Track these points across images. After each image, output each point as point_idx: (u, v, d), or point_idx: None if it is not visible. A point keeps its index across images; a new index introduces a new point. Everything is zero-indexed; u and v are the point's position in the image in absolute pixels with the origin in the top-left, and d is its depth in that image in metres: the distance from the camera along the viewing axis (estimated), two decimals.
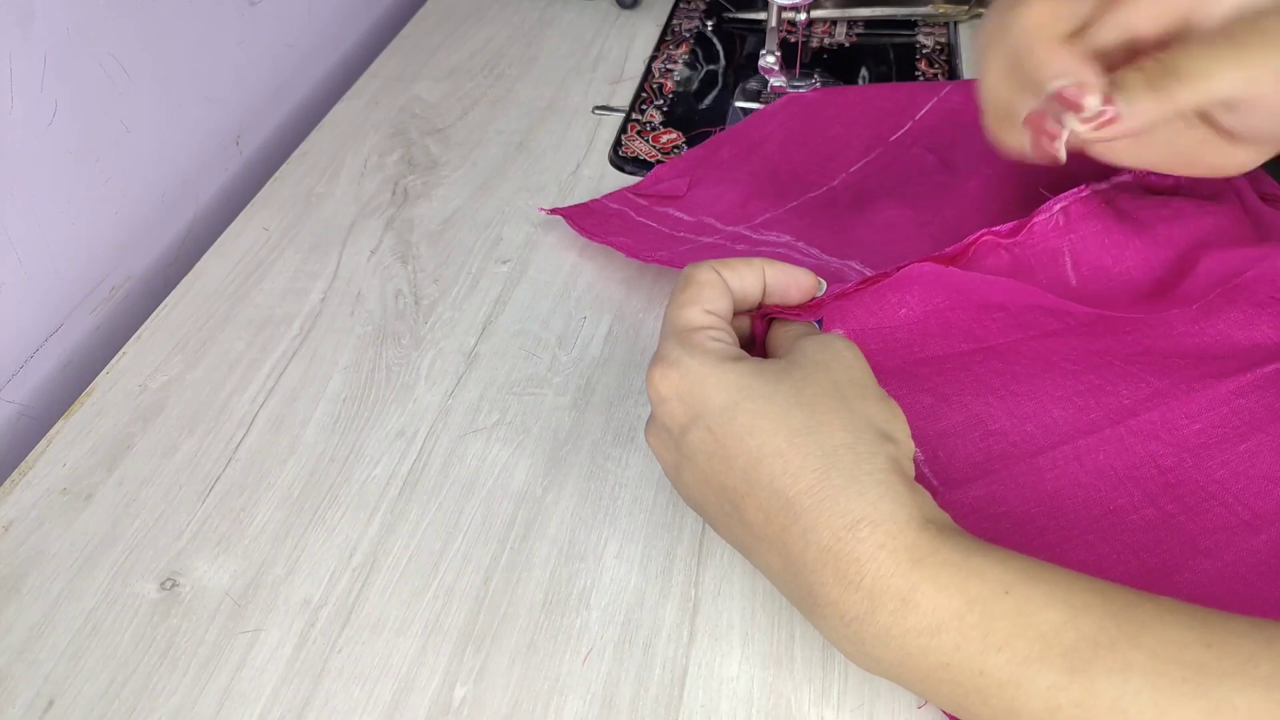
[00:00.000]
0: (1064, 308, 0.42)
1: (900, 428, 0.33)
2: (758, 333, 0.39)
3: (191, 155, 0.61)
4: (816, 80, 0.64)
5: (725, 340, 0.35)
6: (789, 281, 0.38)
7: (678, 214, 0.54)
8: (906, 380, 0.42)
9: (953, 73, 0.67)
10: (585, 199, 0.57)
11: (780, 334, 0.38)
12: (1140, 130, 0.36)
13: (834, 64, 0.69)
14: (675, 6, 0.76)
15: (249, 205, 0.59)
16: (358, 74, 0.70)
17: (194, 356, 0.49)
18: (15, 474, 0.44)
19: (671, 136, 0.62)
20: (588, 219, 0.53)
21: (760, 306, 0.38)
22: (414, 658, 0.36)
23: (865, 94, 0.59)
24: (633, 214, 0.54)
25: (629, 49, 0.72)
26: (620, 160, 0.60)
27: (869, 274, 0.41)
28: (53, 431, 0.45)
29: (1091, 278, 0.43)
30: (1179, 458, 0.39)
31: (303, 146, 0.63)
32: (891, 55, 0.70)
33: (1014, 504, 0.38)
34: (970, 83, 0.58)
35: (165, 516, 0.42)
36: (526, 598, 0.38)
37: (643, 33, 0.73)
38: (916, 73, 0.67)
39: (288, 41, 0.69)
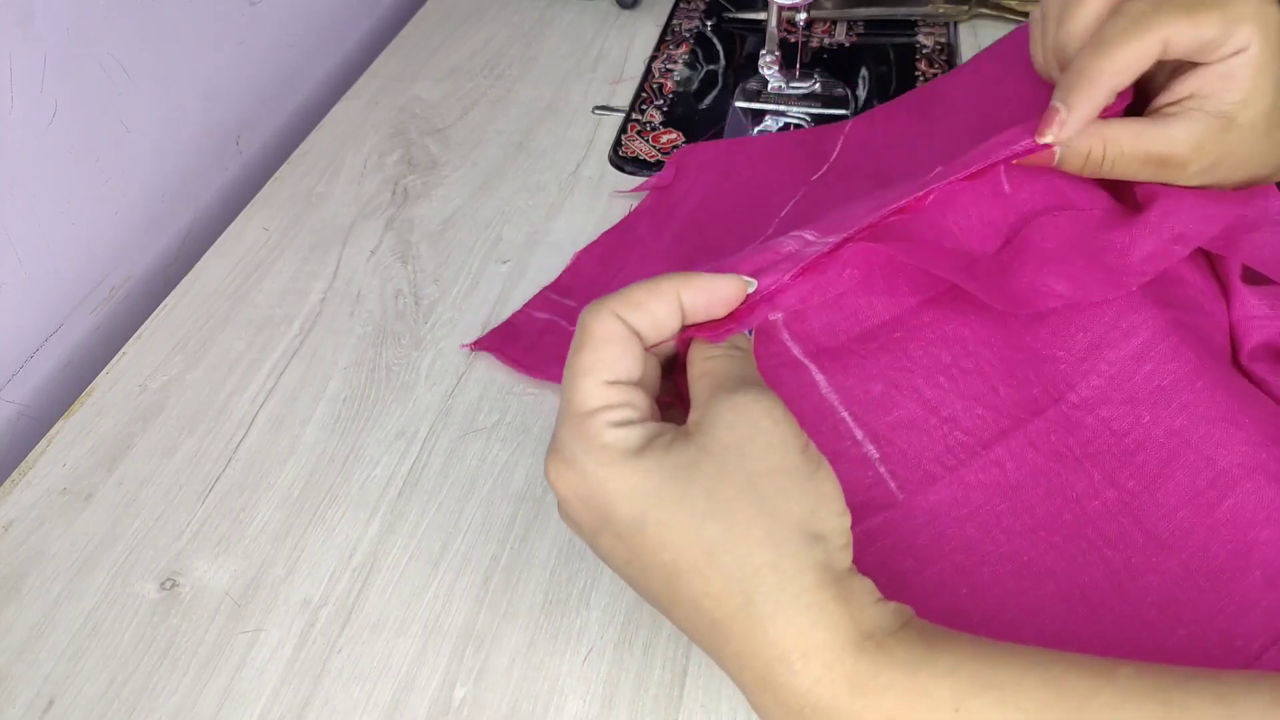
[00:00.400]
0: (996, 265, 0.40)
1: (830, 509, 0.29)
2: (682, 355, 0.34)
3: (191, 155, 0.61)
4: (816, 81, 0.64)
5: (630, 418, 0.30)
6: (710, 299, 0.32)
7: None
8: (854, 367, 0.39)
9: None
10: (585, 199, 0.57)
11: (696, 375, 0.32)
12: (1083, 124, 0.39)
13: (834, 64, 0.69)
14: (675, 6, 0.76)
15: (249, 205, 0.59)
16: (358, 74, 0.70)
17: (194, 356, 0.49)
18: (15, 474, 0.44)
19: (671, 136, 0.62)
20: (515, 344, 0.48)
21: (682, 329, 0.33)
22: (414, 658, 0.36)
23: (768, 143, 0.58)
24: (565, 324, 0.49)
25: (629, 49, 0.72)
26: (620, 160, 0.60)
27: (813, 242, 0.38)
28: (53, 431, 0.45)
29: (1024, 182, 0.42)
30: (1135, 414, 0.38)
31: (303, 146, 0.63)
32: (891, 55, 0.70)
33: (979, 501, 0.37)
34: (876, 110, 0.58)
35: (165, 516, 0.42)
36: (526, 598, 0.38)
37: (643, 33, 0.73)
38: (916, 73, 0.67)
39: (288, 41, 0.69)
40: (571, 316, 0.49)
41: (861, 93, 0.65)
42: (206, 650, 0.37)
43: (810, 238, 0.38)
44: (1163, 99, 0.40)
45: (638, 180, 0.58)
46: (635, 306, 0.31)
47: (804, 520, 0.29)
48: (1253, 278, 0.42)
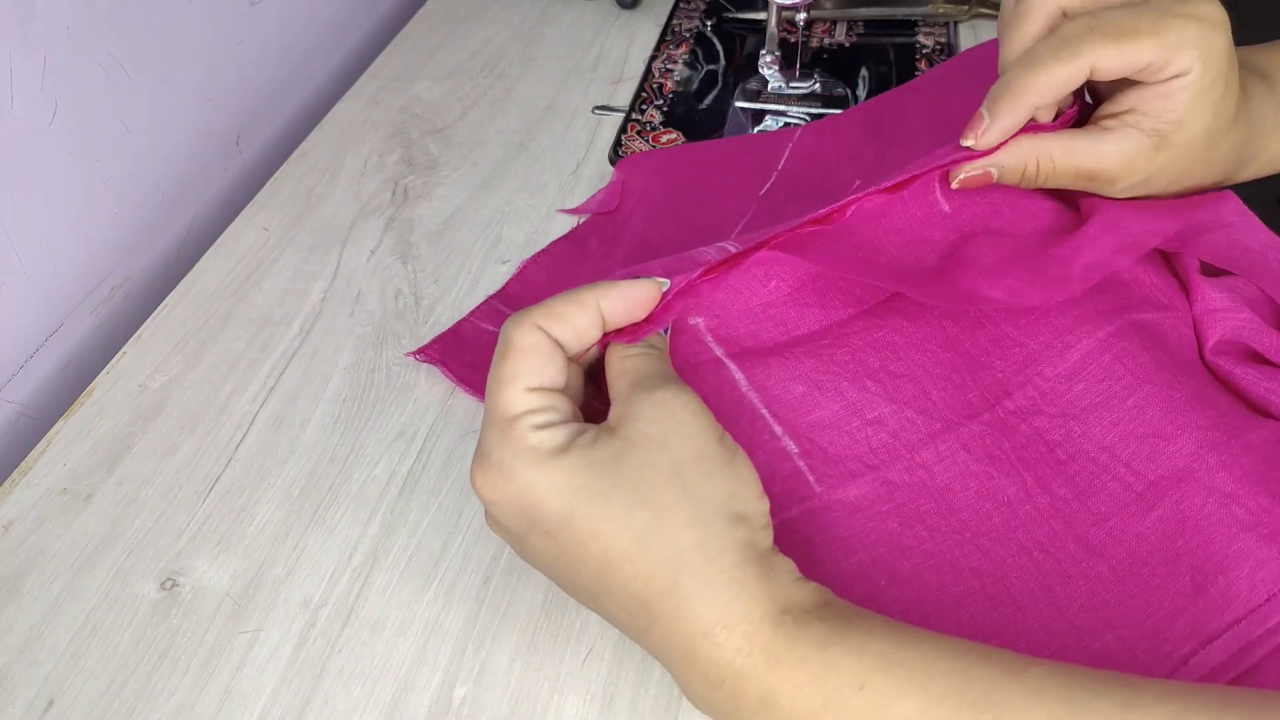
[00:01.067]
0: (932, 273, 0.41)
1: (748, 493, 0.31)
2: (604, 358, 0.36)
3: (191, 155, 0.61)
4: (816, 81, 0.64)
5: (553, 420, 0.31)
6: (629, 305, 0.34)
7: None
8: (776, 368, 0.40)
9: None
10: (585, 199, 0.57)
11: (615, 374, 0.34)
12: (1006, 137, 0.40)
13: (834, 64, 0.69)
14: (675, 6, 0.76)
15: (249, 205, 0.59)
16: (358, 74, 0.70)
17: (194, 356, 0.49)
18: (15, 474, 0.44)
19: (672, 136, 0.62)
20: (461, 358, 0.47)
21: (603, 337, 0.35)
22: (414, 658, 0.36)
23: (715, 150, 0.58)
24: None
25: (629, 49, 0.72)
26: (620, 160, 0.60)
27: (730, 251, 0.38)
28: (53, 431, 0.45)
29: (963, 205, 0.42)
30: (1066, 428, 0.38)
31: (303, 146, 0.63)
32: (891, 55, 0.70)
33: (902, 499, 0.37)
34: (825, 122, 0.58)
35: (165, 516, 0.42)
36: (526, 598, 0.38)
37: (643, 33, 0.73)
38: (916, 73, 0.67)
39: (288, 41, 0.69)
40: None
41: (861, 93, 0.65)
42: (206, 650, 0.37)
43: (731, 248, 0.39)
44: (1105, 109, 0.41)
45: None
46: (558, 318, 0.33)
47: (725, 502, 0.30)
48: (1211, 270, 0.42)
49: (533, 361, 0.32)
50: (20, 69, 0.48)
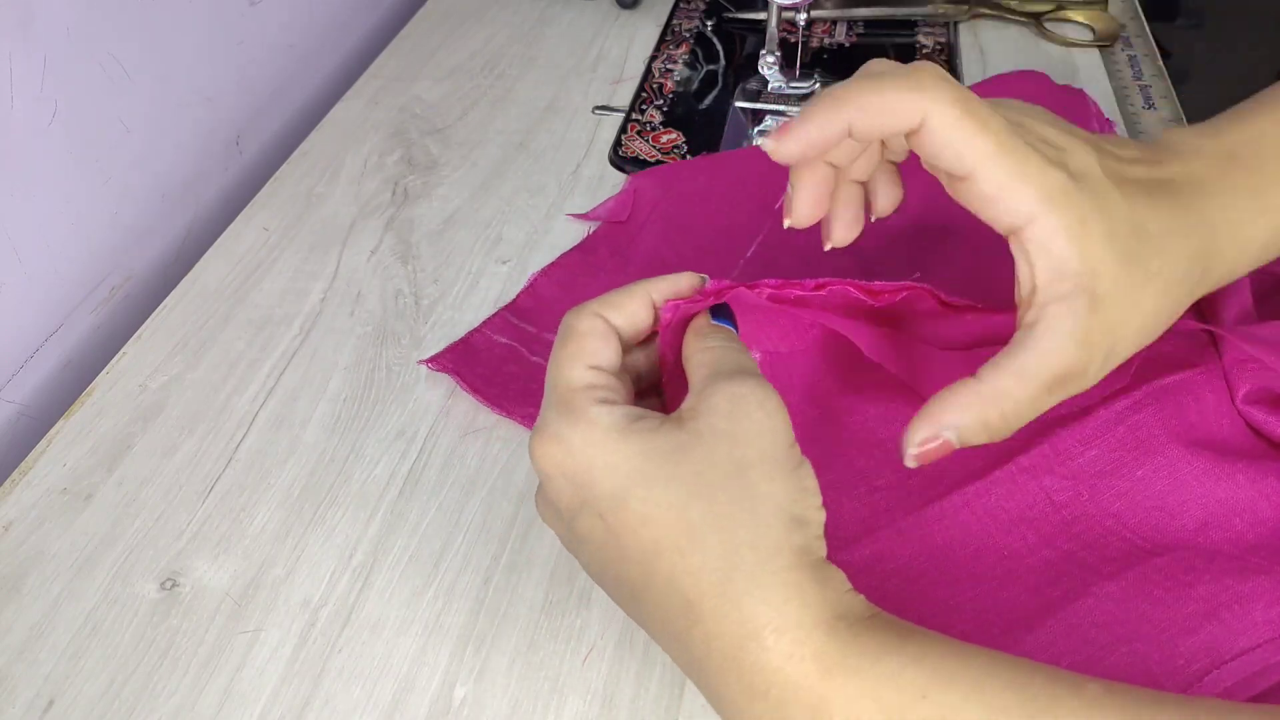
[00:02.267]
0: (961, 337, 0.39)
1: (810, 502, 0.30)
2: (664, 353, 0.35)
3: (191, 155, 0.61)
4: (816, 81, 0.64)
5: (614, 398, 0.31)
6: (676, 289, 0.34)
7: None
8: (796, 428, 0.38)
9: (953, 73, 0.67)
10: (585, 199, 0.57)
11: (693, 364, 0.33)
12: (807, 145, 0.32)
13: (834, 64, 0.69)
14: (675, 6, 0.76)
15: (249, 205, 0.59)
16: (358, 74, 0.70)
17: (194, 356, 0.49)
18: (15, 474, 0.44)
19: (671, 136, 0.62)
20: (475, 369, 0.46)
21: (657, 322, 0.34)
22: (414, 658, 0.36)
23: (727, 163, 0.57)
24: (526, 352, 0.48)
25: (629, 49, 0.72)
26: (620, 160, 0.60)
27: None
28: (53, 431, 0.45)
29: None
30: (1075, 490, 0.38)
31: (303, 146, 0.63)
32: (891, 55, 0.70)
33: (903, 560, 0.37)
34: None
35: (165, 516, 0.42)
36: (526, 598, 0.38)
37: (643, 33, 0.73)
38: None
39: (288, 42, 0.69)
40: (533, 344, 0.48)
41: None
42: (206, 650, 0.37)
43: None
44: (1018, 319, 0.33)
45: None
46: (614, 306, 0.33)
47: (787, 506, 0.29)
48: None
49: (592, 344, 0.32)
50: (20, 69, 0.48)
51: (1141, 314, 0.32)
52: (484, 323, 0.49)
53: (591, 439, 0.30)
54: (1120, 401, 0.39)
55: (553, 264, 0.52)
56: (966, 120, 0.30)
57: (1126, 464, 0.38)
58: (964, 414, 0.31)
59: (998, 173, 0.30)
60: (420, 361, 0.47)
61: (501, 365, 0.47)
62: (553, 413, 0.31)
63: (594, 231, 0.55)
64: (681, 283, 0.34)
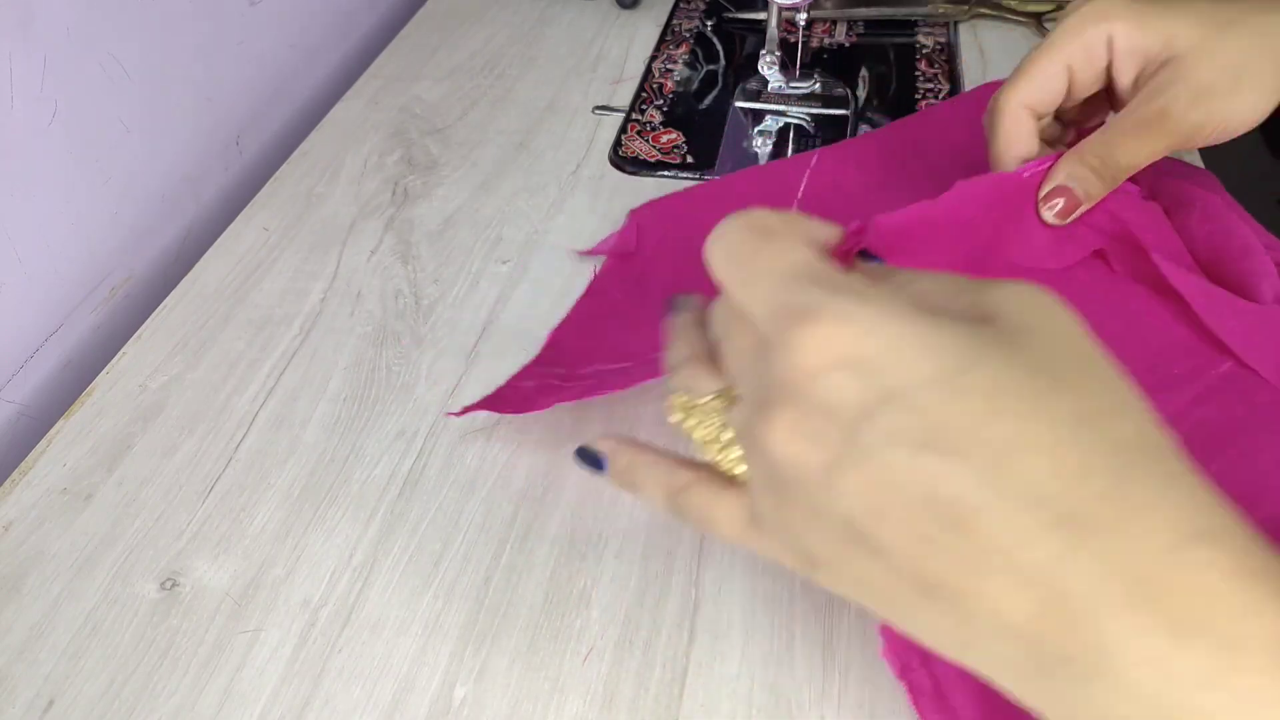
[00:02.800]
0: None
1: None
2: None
3: (191, 155, 0.61)
4: (816, 81, 0.64)
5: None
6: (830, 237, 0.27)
7: (607, 367, 0.46)
8: None
9: (953, 73, 0.67)
10: (585, 199, 0.57)
11: (920, 282, 0.25)
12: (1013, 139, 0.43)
13: (834, 64, 0.69)
14: (675, 6, 0.76)
15: (249, 205, 0.59)
16: (358, 74, 0.70)
17: (194, 356, 0.49)
18: (15, 474, 0.44)
19: (671, 136, 0.62)
20: (504, 406, 0.44)
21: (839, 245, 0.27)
22: (414, 658, 0.36)
23: (730, 186, 0.56)
24: (558, 383, 0.45)
25: (629, 49, 0.72)
26: (620, 160, 0.60)
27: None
28: (53, 431, 0.45)
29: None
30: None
31: (303, 146, 0.63)
32: (891, 55, 0.70)
33: None
34: (836, 146, 0.57)
35: (165, 516, 0.42)
36: (526, 598, 0.38)
37: (643, 33, 0.73)
38: (916, 73, 0.67)
39: (288, 41, 0.69)
40: (566, 379, 0.45)
41: (861, 93, 0.66)
42: (206, 650, 0.37)
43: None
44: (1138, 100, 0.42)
45: (636, 181, 0.58)
46: (800, 217, 0.27)
47: (1144, 402, 0.23)
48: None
49: (818, 230, 0.26)
50: (20, 69, 0.48)
51: (1220, 64, 0.40)
52: (512, 378, 0.46)
53: (888, 311, 0.22)
54: (1180, 395, 0.39)
55: (566, 317, 0.49)
56: None
57: (1199, 459, 0.38)
58: (1070, 165, 0.41)
59: None
60: (447, 414, 0.45)
61: (535, 395, 0.45)
62: (820, 292, 0.23)
63: (599, 272, 0.52)
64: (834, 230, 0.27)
